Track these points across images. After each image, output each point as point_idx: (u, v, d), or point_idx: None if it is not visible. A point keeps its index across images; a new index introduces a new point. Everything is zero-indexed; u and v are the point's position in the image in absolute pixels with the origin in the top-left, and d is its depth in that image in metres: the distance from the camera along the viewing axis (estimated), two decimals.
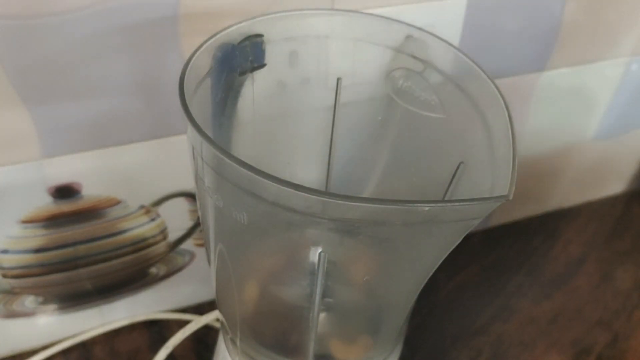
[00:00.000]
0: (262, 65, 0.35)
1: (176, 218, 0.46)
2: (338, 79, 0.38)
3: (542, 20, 0.47)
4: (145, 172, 0.42)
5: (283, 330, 0.37)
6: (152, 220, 0.45)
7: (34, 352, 0.48)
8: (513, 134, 0.28)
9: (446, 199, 0.33)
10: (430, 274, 0.32)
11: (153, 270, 0.49)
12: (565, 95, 0.54)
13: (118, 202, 0.43)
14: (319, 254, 0.30)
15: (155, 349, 0.48)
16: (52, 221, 0.42)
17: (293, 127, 0.40)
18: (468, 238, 0.34)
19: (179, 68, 0.29)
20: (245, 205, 0.27)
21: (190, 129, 0.26)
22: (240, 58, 0.33)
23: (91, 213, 0.43)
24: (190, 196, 0.45)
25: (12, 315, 0.46)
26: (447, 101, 0.34)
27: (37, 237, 0.42)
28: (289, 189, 0.23)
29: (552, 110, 0.54)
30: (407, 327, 0.38)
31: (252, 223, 0.28)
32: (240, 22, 0.33)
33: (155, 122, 0.40)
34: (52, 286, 0.46)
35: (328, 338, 0.36)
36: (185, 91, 0.27)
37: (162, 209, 0.45)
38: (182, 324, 0.49)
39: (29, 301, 0.46)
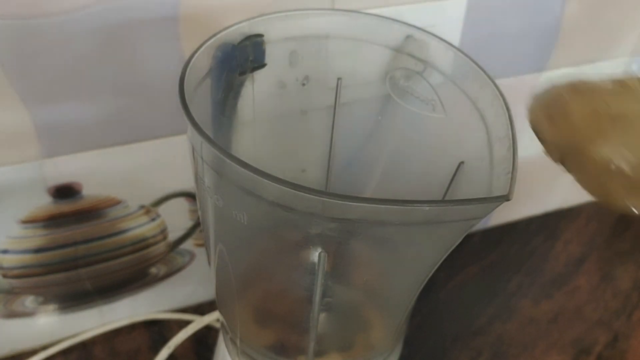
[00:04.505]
0: (262, 65, 0.35)
1: (176, 218, 0.46)
2: (338, 79, 0.38)
3: (542, 21, 0.47)
4: (145, 172, 0.42)
5: (283, 330, 0.36)
6: (152, 220, 0.45)
7: (34, 352, 0.48)
8: (513, 134, 0.28)
9: (446, 199, 0.33)
10: (430, 274, 0.31)
11: (153, 270, 0.49)
12: None
13: (118, 202, 0.43)
14: (319, 254, 0.30)
15: (155, 349, 0.48)
16: (52, 221, 0.42)
17: (293, 127, 0.40)
18: (468, 238, 0.34)
19: (179, 68, 0.29)
20: (245, 205, 0.27)
21: (190, 129, 0.26)
22: (240, 58, 0.33)
23: (91, 213, 0.43)
24: (190, 196, 0.45)
25: (12, 315, 0.46)
26: (447, 101, 0.34)
27: (37, 237, 0.42)
28: (289, 189, 0.23)
29: None
30: (407, 327, 0.38)
31: (252, 223, 0.28)
32: (240, 22, 0.33)
33: (155, 122, 0.40)
34: (52, 286, 0.46)
35: (328, 338, 0.36)
36: (185, 91, 0.27)
37: (162, 209, 0.45)
38: (182, 324, 0.50)
39: (29, 301, 0.46)
